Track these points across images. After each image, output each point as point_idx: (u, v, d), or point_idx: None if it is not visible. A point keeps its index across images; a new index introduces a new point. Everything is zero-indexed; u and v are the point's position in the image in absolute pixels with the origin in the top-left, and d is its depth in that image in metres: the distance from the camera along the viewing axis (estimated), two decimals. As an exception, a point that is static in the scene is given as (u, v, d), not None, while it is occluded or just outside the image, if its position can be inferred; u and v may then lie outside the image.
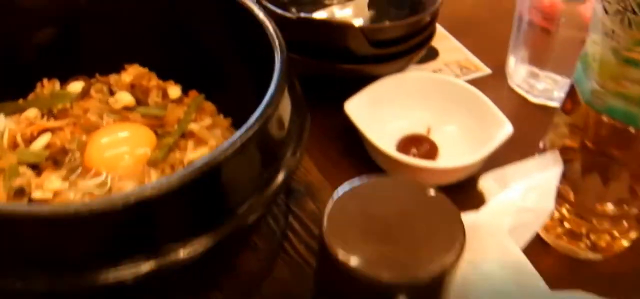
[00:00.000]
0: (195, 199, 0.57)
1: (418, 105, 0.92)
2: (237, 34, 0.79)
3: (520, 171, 0.76)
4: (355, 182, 0.56)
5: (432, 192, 0.56)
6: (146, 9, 0.85)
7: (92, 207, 0.55)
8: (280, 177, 0.62)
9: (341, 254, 0.51)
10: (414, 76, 0.94)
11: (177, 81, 0.87)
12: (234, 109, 0.82)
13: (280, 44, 0.69)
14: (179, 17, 0.84)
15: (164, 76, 0.87)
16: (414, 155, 0.89)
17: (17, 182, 0.70)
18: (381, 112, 0.90)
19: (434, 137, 0.91)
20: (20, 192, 0.70)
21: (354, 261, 0.51)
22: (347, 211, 0.54)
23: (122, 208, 0.54)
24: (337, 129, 0.96)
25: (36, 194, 0.70)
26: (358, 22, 1.01)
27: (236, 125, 0.82)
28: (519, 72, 1.00)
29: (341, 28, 0.89)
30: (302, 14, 0.96)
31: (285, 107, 0.67)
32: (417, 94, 0.92)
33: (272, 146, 0.63)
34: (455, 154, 0.88)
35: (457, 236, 0.52)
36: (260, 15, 0.73)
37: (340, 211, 0.54)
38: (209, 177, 0.55)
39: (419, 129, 0.91)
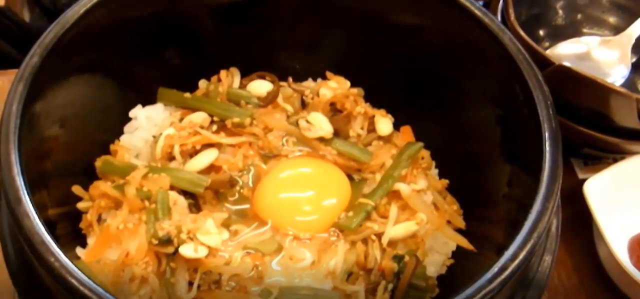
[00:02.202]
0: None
1: None
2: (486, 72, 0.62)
3: None
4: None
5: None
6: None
7: None
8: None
9: None
10: None
11: (385, 101, 0.68)
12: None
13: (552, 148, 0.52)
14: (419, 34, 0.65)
15: (370, 90, 0.69)
16: None
17: (164, 231, 0.54)
18: (622, 197, 0.74)
19: None
20: (167, 243, 0.54)
21: None
22: None
23: None
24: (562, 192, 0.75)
25: (186, 250, 0.54)
26: (620, 72, 0.82)
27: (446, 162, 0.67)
28: None
29: (609, 92, 0.70)
30: (562, 57, 0.78)
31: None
32: None
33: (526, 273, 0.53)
34: None
35: None
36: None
37: None
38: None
39: None
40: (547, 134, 0.52)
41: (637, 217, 0.75)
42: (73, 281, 0.42)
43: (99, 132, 0.63)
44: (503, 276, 0.45)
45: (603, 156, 0.79)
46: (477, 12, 0.58)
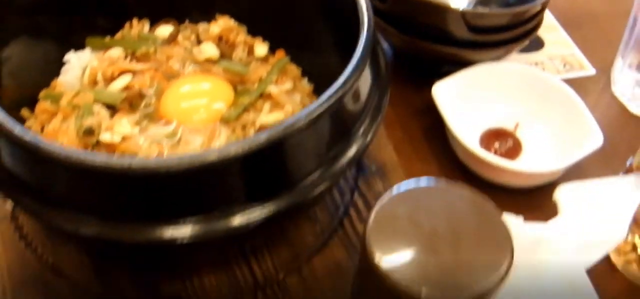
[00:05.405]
0: (257, 170, 0.58)
1: (509, 98, 0.89)
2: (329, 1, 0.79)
3: (599, 189, 0.74)
4: (408, 184, 0.54)
5: (486, 206, 0.53)
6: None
7: (143, 165, 0.55)
8: (349, 155, 0.62)
9: (379, 259, 0.49)
10: (510, 67, 0.90)
11: (266, 39, 0.86)
12: (319, 75, 0.81)
13: (368, 20, 0.67)
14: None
15: (254, 31, 0.86)
16: (496, 150, 0.87)
17: (88, 122, 0.71)
18: (470, 99, 0.87)
19: (521, 134, 0.88)
20: (90, 132, 0.71)
21: (391, 269, 0.49)
22: (394, 215, 0.52)
23: (175, 171, 0.55)
24: (423, 107, 0.94)
25: (105, 137, 0.71)
26: (460, 3, 0.97)
27: (319, 91, 0.81)
28: (624, 78, 0.95)
29: (440, 9, 0.86)
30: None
31: (365, 84, 0.67)
32: (510, 86, 0.89)
33: (344, 123, 0.63)
34: (538, 156, 0.86)
35: (504, 258, 0.50)
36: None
37: (388, 214, 0.52)
38: (273, 150, 0.56)
39: (506, 123, 0.89)
40: (365, 27, 0.66)
41: (486, 116, 0.90)
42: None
43: (43, 77, 0.80)
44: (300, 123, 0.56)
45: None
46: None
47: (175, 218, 0.58)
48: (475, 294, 0.49)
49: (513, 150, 0.88)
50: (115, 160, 0.56)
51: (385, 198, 0.53)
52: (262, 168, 0.58)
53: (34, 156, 0.58)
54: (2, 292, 0.70)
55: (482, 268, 0.50)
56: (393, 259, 0.49)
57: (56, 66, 0.82)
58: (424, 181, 0.55)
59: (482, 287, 0.49)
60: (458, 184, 0.56)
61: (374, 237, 0.50)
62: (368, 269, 0.50)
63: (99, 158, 0.56)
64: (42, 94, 0.78)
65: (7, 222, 0.76)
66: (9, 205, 0.76)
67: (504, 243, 0.51)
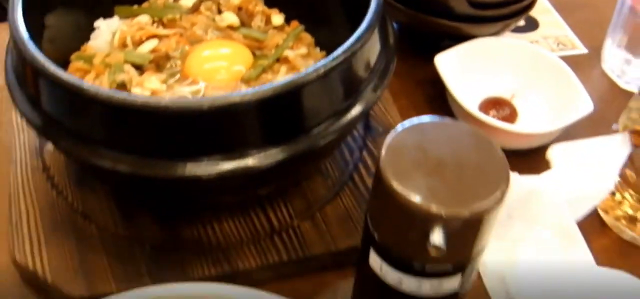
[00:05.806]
0: (274, 114, 0.63)
1: (507, 71, 0.95)
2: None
3: (588, 147, 0.80)
4: (417, 120, 0.60)
5: (485, 140, 0.59)
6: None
7: (180, 104, 0.61)
8: (358, 109, 0.68)
9: (393, 181, 0.55)
10: (508, 42, 0.96)
11: (282, 10, 0.92)
12: (330, 44, 0.85)
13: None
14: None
15: (270, 3, 0.92)
16: (494, 116, 0.93)
17: (120, 77, 0.77)
18: (470, 71, 0.93)
19: (517, 103, 0.94)
20: (122, 86, 0.77)
21: (404, 189, 0.55)
22: (405, 144, 0.58)
23: (207, 110, 0.61)
24: (426, 79, 1.00)
25: (135, 90, 0.76)
26: None
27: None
28: (613, 56, 1.01)
29: None
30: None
31: (373, 48, 0.73)
32: (507, 60, 0.95)
33: (354, 79, 0.68)
34: (532, 121, 0.91)
35: (501, 182, 0.56)
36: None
37: (399, 143, 0.58)
38: (289, 96, 0.62)
39: (503, 94, 0.94)
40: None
41: (484, 86, 0.95)
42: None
43: (74, 42, 0.86)
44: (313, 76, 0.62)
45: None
46: None
47: (202, 155, 0.64)
48: (477, 212, 0.54)
49: (509, 117, 0.95)
50: (154, 99, 0.63)
51: (395, 131, 0.59)
52: (282, 113, 0.63)
53: (78, 98, 0.64)
54: (36, 235, 0.75)
55: (482, 191, 0.55)
56: (405, 181, 0.55)
57: (86, 33, 0.88)
58: (429, 117, 0.61)
59: (483, 206, 0.55)
60: (460, 122, 0.62)
61: (387, 163, 0.56)
62: (382, 191, 0.56)
63: (139, 98, 0.62)
64: (73, 56, 0.84)
65: (39, 173, 0.82)
66: (50, 146, 0.82)
67: (502, 171, 0.57)
